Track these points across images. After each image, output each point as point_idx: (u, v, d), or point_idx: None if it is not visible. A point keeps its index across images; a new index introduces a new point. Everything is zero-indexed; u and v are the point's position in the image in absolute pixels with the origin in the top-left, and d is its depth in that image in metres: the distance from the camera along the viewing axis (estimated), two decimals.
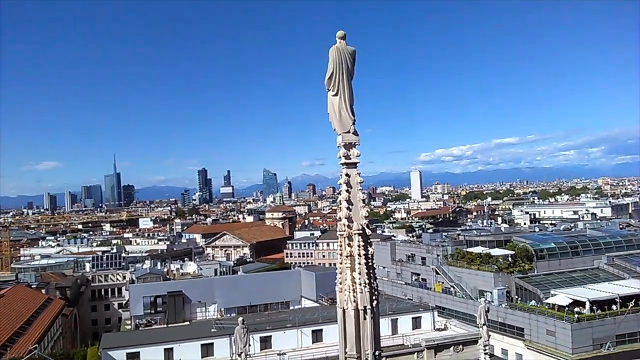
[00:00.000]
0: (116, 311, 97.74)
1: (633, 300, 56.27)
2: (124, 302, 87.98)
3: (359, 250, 13.04)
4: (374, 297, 13.06)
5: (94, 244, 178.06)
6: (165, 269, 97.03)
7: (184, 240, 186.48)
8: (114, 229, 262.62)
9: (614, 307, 55.98)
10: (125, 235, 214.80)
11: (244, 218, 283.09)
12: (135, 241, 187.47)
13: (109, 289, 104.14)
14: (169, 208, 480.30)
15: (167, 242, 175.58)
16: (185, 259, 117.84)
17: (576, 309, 55.59)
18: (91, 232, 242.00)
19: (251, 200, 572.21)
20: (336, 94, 13.38)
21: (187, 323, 61.21)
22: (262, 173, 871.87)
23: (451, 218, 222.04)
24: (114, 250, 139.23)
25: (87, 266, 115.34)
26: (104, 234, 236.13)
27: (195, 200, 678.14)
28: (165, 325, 60.13)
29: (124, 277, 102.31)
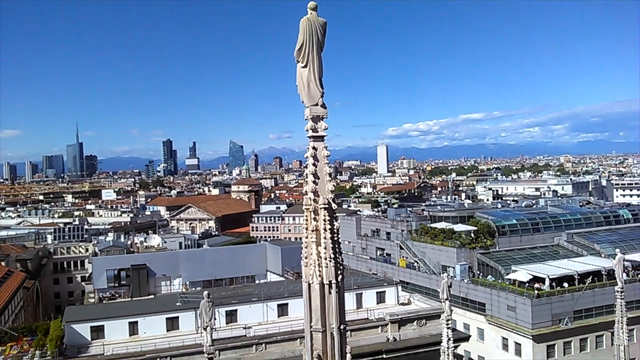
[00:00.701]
0: (79, 284, 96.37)
1: (590, 277, 57.92)
2: (87, 275, 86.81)
3: (324, 224, 12.94)
4: (339, 272, 13.02)
5: (56, 216, 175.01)
6: (129, 242, 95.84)
7: (148, 213, 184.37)
8: (77, 200, 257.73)
9: (572, 283, 57.51)
10: (88, 206, 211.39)
11: (209, 191, 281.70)
12: (98, 213, 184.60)
13: (72, 262, 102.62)
14: (132, 179, 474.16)
15: (131, 215, 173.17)
16: (150, 231, 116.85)
17: (536, 285, 57.02)
18: (53, 203, 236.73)
19: (217, 173, 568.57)
20: (305, 66, 13.13)
21: (152, 297, 60.75)
22: (228, 145, 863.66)
23: (416, 193, 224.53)
24: (77, 222, 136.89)
25: (49, 238, 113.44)
26: (66, 205, 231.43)
27: (159, 171, 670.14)
28: (129, 299, 59.62)
29: (87, 250, 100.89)
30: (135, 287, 62.10)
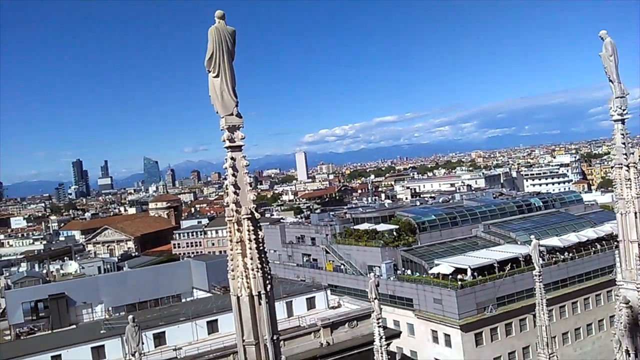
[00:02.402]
0: None
1: (509, 264, 60.34)
2: (1, 310, 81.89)
3: (249, 235, 12.72)
4: (267, 282, 12.83)
5: None
6: (45, 271, 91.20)
7: (62, 238, 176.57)
8: None
9: (492, 272, 59.64)
10: None
11: (125, 210, 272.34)
12: (8, 243, 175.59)
13: None
14: (42, 204, 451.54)
15: (44, 242, 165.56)
16: (65, 258, 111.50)
17: (459, 276, 58.77)
18: None
19: (132, 191, 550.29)
20: (217, 76, 12.89)
21: (74, 327, 57.99)
22: (142, 161, 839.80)
23: (337, 197, 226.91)
24: None
25: None
26: None
27: (71, 194, 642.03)
28: (50, 331, 56.61)
29: None
30: (55, 318, 58.94)
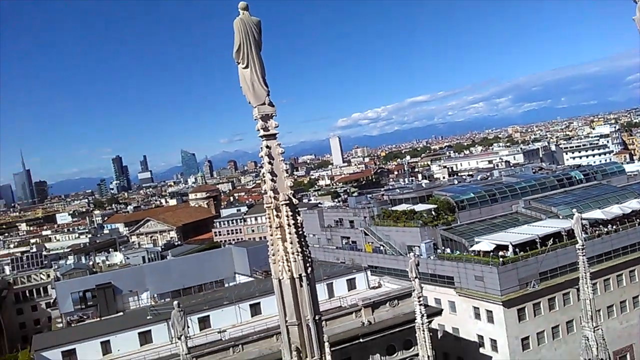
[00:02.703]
0: (44, 311, 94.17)
1: (551, 239, 59.55)
2: (52, 300, 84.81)
3: (287, 220, 13.08)
4: (307, 265, 13.19)
5: (11, 246, 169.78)
6: (91, 262, 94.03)
7: (106, 231, 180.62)
8: (31, 228, 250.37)
9: (534, 247, 59.00)
10: (44, 232, 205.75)
11: (166, 202, 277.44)
12: (55, 238, 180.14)
13: (34, 290, 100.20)
14: (86, 200, 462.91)
15: (89, 235, 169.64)
16: (110, 249, 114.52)
17: (500, 253, 58.26)
18: (6, 234, 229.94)
19: (172, 183, 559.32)
20: (246, 67, 13.19)
21: (121, 314, 59.77)
22: (180, 154, 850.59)
23: (374, 180, 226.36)
24: (34, 250, 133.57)
25: (7, 269, 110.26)
26: (20, 234, 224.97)
27: (113, 189, 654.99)
28: (98, 319, 58.48)
29: (48, 276, 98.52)
30: (102, 307, 60.82)
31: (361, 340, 47.25)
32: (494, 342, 56.91)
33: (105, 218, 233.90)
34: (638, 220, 66.24)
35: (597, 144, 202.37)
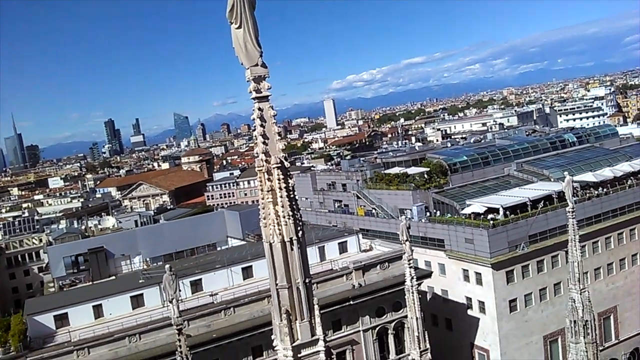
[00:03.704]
0: (37, 275, 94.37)
1: (542, 202, 59.87)
2: (44, 265, 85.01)
3: (279, 183, 13.01)
4: (298, 228, 13.18)
5: (3, 210, 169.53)
6: (83, 227, 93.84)
7: (98, 196, 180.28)
8: (23, 192, 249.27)
9: (525, 210, 59.31)
10: (36, 197, 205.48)
11: (159, 166, 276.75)
12: (47, 202, 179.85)
13: (26, 254, 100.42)
14: (78, 164, 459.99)
15: (81, 199, 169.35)
16: (103, 214, 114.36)
17: (490, 216, 58.58)
18: None
19: (164, 147, 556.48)
20: (240, 27, 12.91)
21: (113, 278, 60.03)
22: (172, 117, 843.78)
23: (367, 142, 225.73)
24: (26, 214, 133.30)
25: None
26: (12, 198, 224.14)
27: (105, 153, 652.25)
28: (90, 283, 58.75)
29: (41, 240, 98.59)
30: (95, 271, 61.06)
31: (351, 302, 47.89)
32: (482, 304, 57.68)
33: (98, 182, 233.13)
34: (629, 183, 66.60)
35: (591, 106, 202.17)
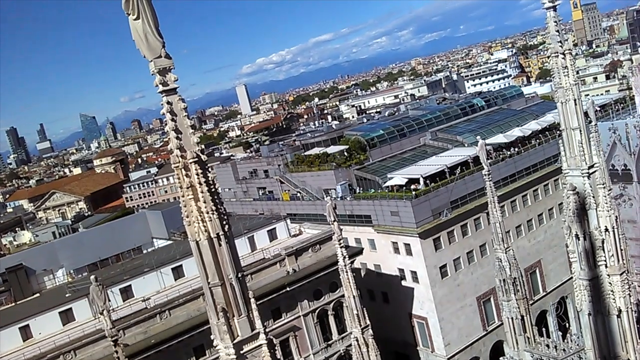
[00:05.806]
0: None
1: (459, 167, 61.60)
2: None
3: (198, 178, 12.54)
4: (224, 222, 12.79)
5: None
6: None
7: (9, 210, 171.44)
8: None
9: (444, 177, 60.85)
10: None
11: (70, 171, 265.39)
12: None
13: None
14: None
15: None
16: (17, 229, 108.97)
17: (412, 187, 59.76)
18: None
19: (74, 151, 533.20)
20: (137, 18, 12.23)
21: (37, 295, 57.22)
22: (79, 119, 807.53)
23: (284, 126, 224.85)
24: None
25: None
26: None
27: (11, 164, 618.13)
28: (13, 304, 55.69)
29: None
30: (16, 290, 57.70)
31: (288, 288, 47.80)
32: (414, 274, 58.90)
33: (7, 196, 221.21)
34: (538, 140, 69.58)
35: (496, 69, 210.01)
